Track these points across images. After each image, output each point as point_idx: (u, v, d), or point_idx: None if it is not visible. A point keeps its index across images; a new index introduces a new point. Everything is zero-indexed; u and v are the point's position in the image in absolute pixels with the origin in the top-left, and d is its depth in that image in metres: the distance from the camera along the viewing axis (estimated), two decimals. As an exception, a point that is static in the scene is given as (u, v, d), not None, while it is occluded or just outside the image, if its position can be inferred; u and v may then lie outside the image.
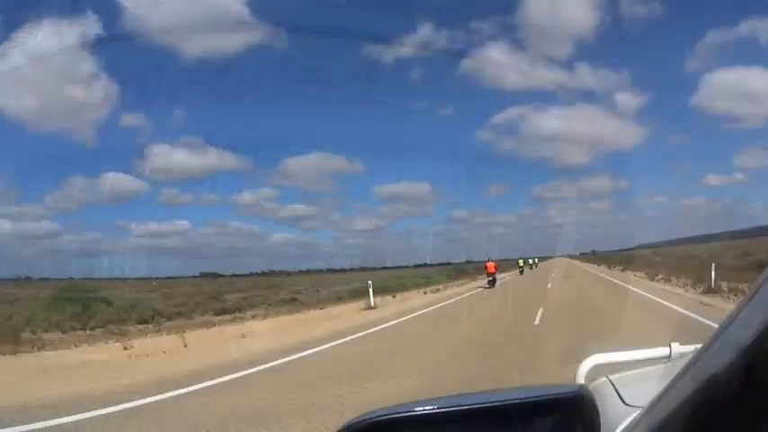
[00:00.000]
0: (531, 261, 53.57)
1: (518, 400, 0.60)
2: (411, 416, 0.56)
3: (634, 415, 0.63)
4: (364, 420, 0.57)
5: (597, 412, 0.59)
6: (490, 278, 24.29)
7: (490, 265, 25.18)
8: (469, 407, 0.57)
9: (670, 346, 1.02)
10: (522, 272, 38.30)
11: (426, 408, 0.57)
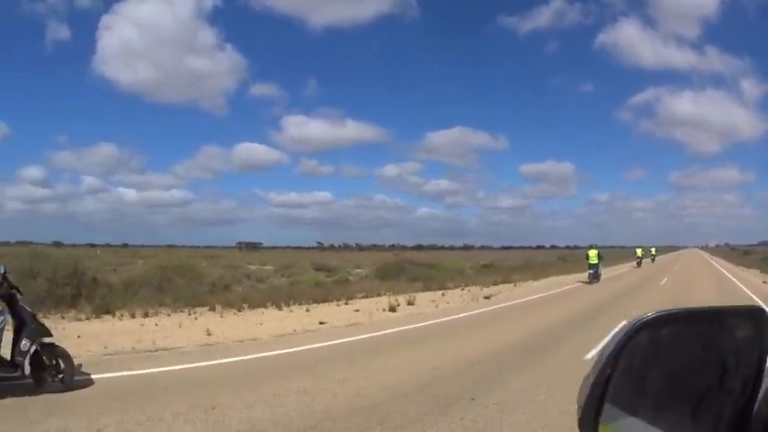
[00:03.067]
0: (640, 252, 38.07)
1: (722, 309, 0.89)
2: (675, 313, 0.83)
3: None
4: (650, 316, 0.80)
5: None
6: None
7: None
8: (698, 310, 0.87)
9: None
10: (594, 274, 20.94)
11: (674, 310, 0.84)
